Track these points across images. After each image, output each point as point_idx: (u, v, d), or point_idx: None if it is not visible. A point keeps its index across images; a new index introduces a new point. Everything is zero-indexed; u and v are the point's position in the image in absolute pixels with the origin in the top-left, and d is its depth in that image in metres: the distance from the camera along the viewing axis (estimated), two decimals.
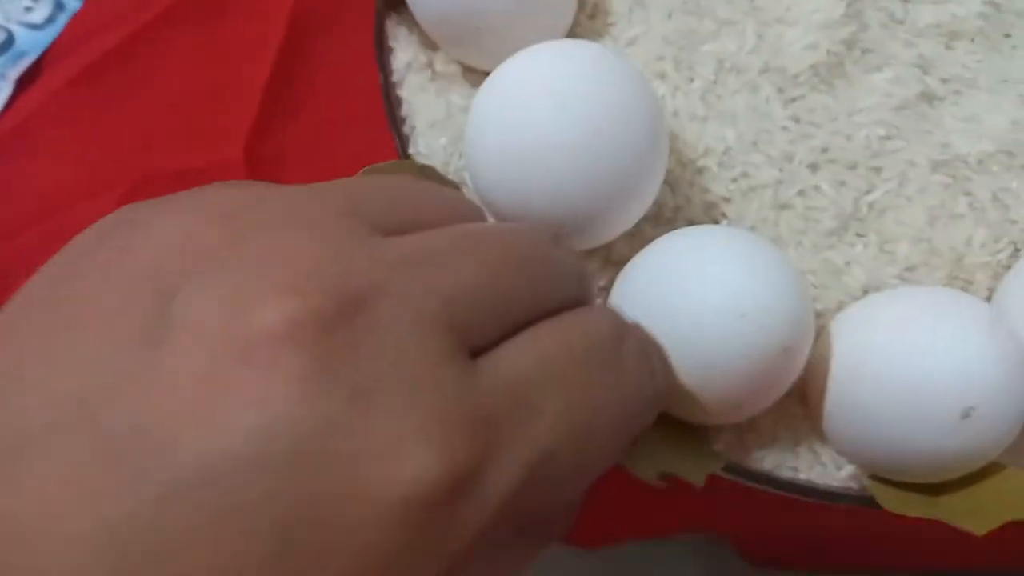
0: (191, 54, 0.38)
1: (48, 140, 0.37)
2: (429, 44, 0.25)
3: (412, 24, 0.24)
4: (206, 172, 0.36)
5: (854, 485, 0.22)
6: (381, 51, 0.24)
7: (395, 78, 0.24)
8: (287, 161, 0.36)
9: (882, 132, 0.24)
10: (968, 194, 0.24)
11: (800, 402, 0.22)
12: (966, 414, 0.18)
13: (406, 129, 0.24)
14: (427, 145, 0.24)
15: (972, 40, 0.26)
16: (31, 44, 0.38)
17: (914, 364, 0.18)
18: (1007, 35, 0.26)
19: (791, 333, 0.18)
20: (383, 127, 0.27)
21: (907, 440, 0.19)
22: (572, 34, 0.24)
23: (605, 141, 0.19)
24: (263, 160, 0.36)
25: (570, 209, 0.20)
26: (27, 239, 0.34)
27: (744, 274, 0.18)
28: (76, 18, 0.39)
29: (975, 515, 0.19)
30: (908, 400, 0.18)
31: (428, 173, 0.22)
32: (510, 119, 0.19)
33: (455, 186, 0.23)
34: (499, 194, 0.20)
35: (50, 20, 0.38)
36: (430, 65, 0.25)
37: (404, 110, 0.24)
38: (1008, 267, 0.23)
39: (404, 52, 0.24)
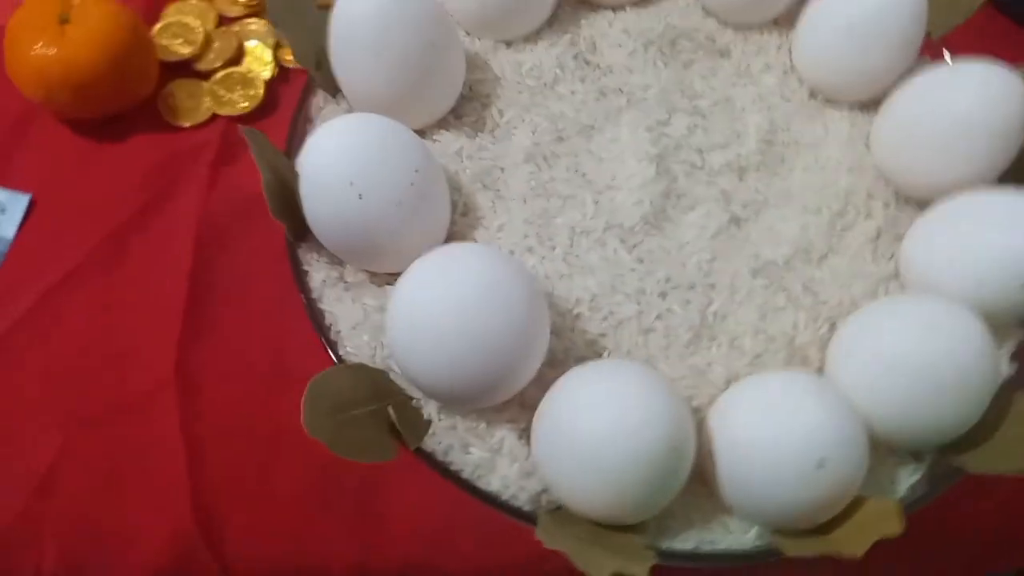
0: (100, 301, 0.41)
1: None
2: (337, 261, 0.30)
3: (320, 248, 0.29)
4: (139, 402, 0.39)
5: (761, 542, 0.26)
6: (298, 275, 0.29)
7: (315, 295, 0.29)
8: (212, 374, 0.40)
9: (708, 256, 0.31)
10: (784, 289, 0.30)
11: (703, 484, 0.27)
12: (820, 465, 0.23)
13: (332, 335, 0.28)
14: (353, 344, 0.28)
15: (757, 170, 0.33)
16: None
17: (773, 433, 0.24)
18: (782, 161, 0.34)
19: (676, 434, 0.24)
20: (298, 328, 0.30)
21: (780, 493, 0.24)
22: (450, 232, 0.30)
23: (496, 321, 0.24)
24: (193, 373, 0.40)
25: (477, 379, 0.25)
26: None
27: (629, 397, 0.23)
28: None
29: (853, 541, 0.24)
30: (774, 461, 0.24)
31: None
32: (419, 318, 0.24)
33: (382, 374, 0.27)
34: (420, 375, 0.25)
35: None
36: (341, 279, 0.29)
37: (328, 319, 0.29)
38: (829, 339, 0.30)
39: (318, 272, 0.29)
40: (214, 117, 0.46)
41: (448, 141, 0.32)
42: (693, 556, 0.26)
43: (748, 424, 0.24)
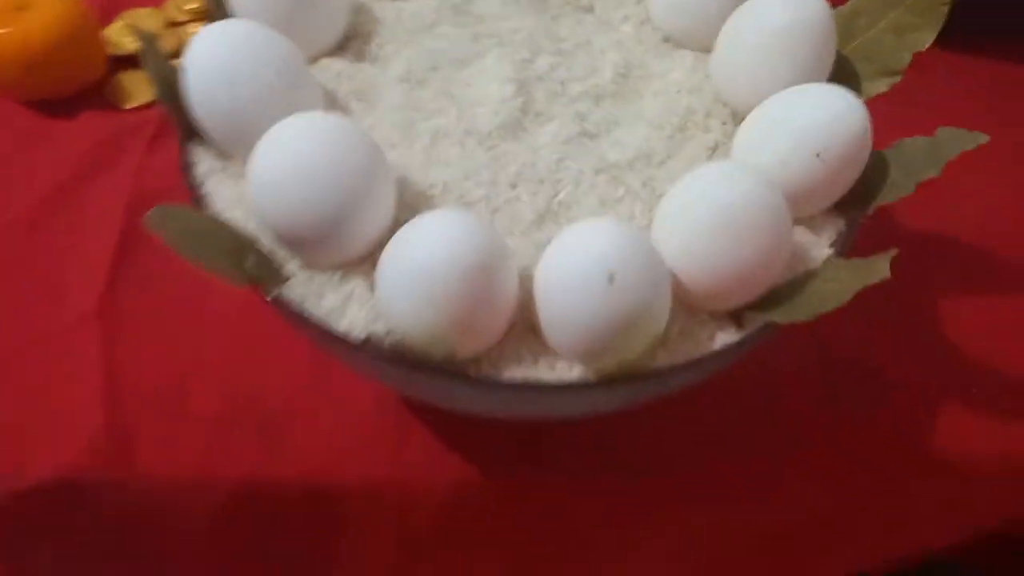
0: (37, 251, 0.45)
1: None
2: (222, 156, 0.33)
3: (208, 146, 0.33)
4: (61, 334, 0.42)
5: (585, 380, 0.29)
6: (185, 166, 0.33)
7: (199, 181, 0.32)
8: (135, 310, 0.43)
9: (557, 157, 0.34)
10: (624, 184, 0.34)
11: (535, 333, 0.30)
12: (610, 279, 0.26)
13: (209, 209, 0.32)
14: (228, 217, 0.31)
15: (612, 97, 0.37)
16: None
17: (568, 259, 0.27)
18: (636, 91, 0.38)
19: (487, 256, 0.26)
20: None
21: (581, 315, 0.26)
22: None
23: (340, 174, 0.28)
24: (114, 314, 0.43)
25: (323, 226, 0.28)
26: None
27: (444, 225, 0.27)
28: None
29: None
30: (571, 284, 0.26)
31: None
32: (275, 172, 0.28)
33: (252, 239, 0.31)
34: (275, 222, 0.28)
35: None
36: (224, 169, 0.33)
37: (208, 200, 0.32)
38: None
39: (203, 163, 0.33)
40: (154, 102, 0.51)
41: (328, 64, 0.36)
42: (513, 386, 0.28)
43: (550, 259, 0.27)
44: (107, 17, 0.55)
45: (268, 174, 0.28)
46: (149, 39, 0.32)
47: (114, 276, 0.44)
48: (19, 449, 0.39)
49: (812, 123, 0.30)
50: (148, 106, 0.51)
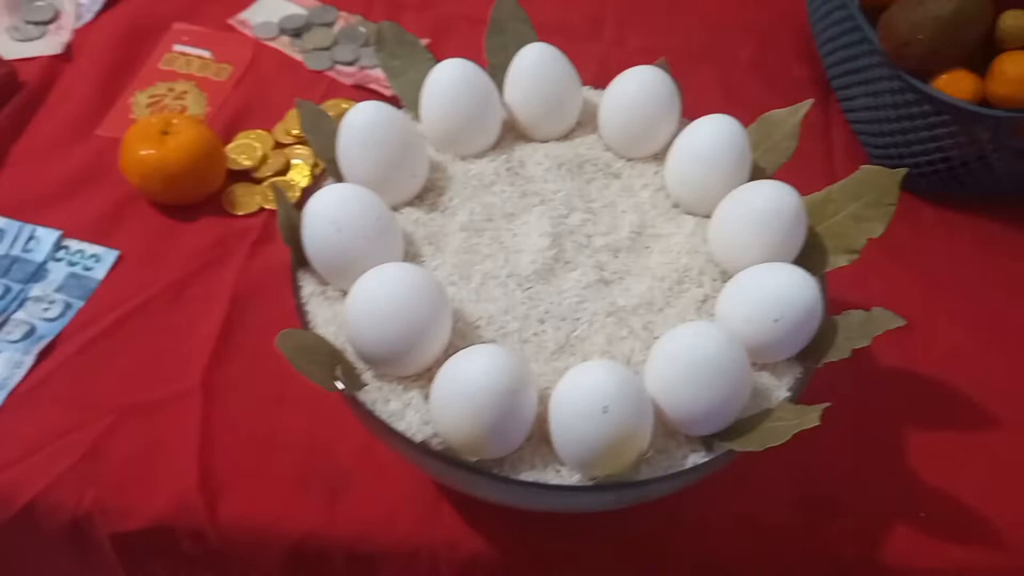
0: (157, 329, 0.56)
1: (53, 392, 0.52)
2: (323, 281, 0.43)
3: (314, 274, 0.43)
4: (170, 400, 0.52)
5: (581, 484, 0.38)
6: (295, 287, 0.43)
7: (303, 300, 0.43)
8: (231, 386, 0.53)
9: (578, 300, 0.44)
10: (628, 326, 0.43)
11: (548, 444, 0.39)
12: (605, 410, 0.35)
13: (310, 327, 0.42)
14: (323, 332, 0.42)
15: (627, 251, 0.47)
16: (48, 330, 0.55)
17: (573, 389, 0.36)
18: (646, 247, 0.47)
19: (513, 383, 0.36)
20: None
21: (580, 435, 0.35)
22: None
23: (409, 314, 0.38)
24: (214, 388, 0.53)
25: (394, 351, 0.38)
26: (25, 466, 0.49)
27: (480, 357, 0.36)
28: (77, 315, 0.56)
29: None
30: (574, 410, 0.36)
31: None
32: (362, 308, 0.38)
33: (341, 352, 0.41)
34: (359, 345, 0.38)
35: (61, 315, 0.56)
36: (324, 293, 0.43)
37: (309, 317, 0.42)
38: None
39: (307, 286, 0.43)
40: (261, 210, 0.63)
41: (409, 213, 0.47)
42: (525, 484, 0.37)
43: (561, 389, 0.37)
44: (228, 136, 0.67)
45: (360, 310, 0.38)
46: (279, 192, 0.43)
47: (216, 355, 0.55)
48: (125, 496, 0.48)
49: (773, 295, 0.40)
50: (255, 214, 0.62)
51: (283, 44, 0.75)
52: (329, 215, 0.41)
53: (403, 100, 0.52)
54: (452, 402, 0.36)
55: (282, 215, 0.42)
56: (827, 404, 0.37)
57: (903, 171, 0.43)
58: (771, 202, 0.43)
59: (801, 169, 0.62)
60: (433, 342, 0.39)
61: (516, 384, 0.36)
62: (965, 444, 0.54)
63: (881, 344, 0.58)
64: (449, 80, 0.48)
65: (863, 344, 0.40)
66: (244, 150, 0.65)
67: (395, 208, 0.47)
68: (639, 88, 0.49)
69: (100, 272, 0.58)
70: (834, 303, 0.59)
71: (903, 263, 0.64)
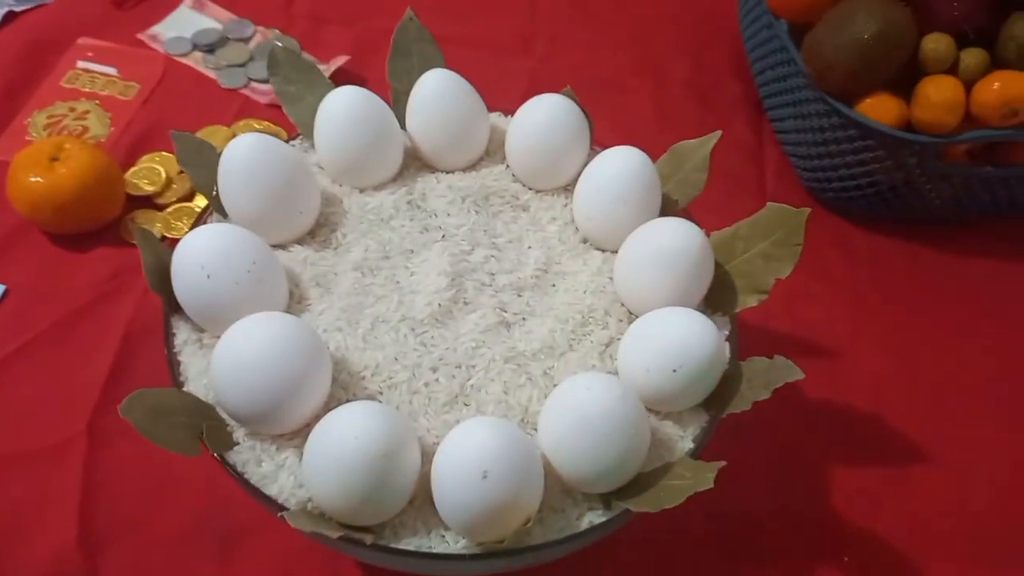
0: (42, 370, 0.52)
1: None
2: (200, 328, 0.40)
3: (187, 319, 0.40)
4: (53, 448, 0.49)
5: (467, 552, 0.35)
6: (167, 335, 0.40)
7: (176, 349, 0.40)
8: (119, 432, 0.50)
9: (474, 344, 0.41)
10: (527, 373, 0.41)
11: (433, 504, 0.36)
12: (484, 475, 0.32)
13: (181, 378, 0.39)
14: (194, 386, 0.39)
15: (532, 290, 0.44)
16: None
17: (454, 452, 0.33)
18: (552, 285, 0.45)
19: (390, 444, 0.33)
20: None
21: (461, 500, 0.33)
22: (286, 312, 0.41)
23: (280, 367, 0.35)
24: (102, 432, 0.50)
25: (264, 408, 0.35)
26: None
27: (356, 417, 0.33)
28: None
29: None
30: (455, 475, 0.33)
31: None
32: (228, 362, 0.35)
33: (212, 408, 0.38)
34: (226, 401, 0.35)
35: None
36: (200, 340, 0.40)
37: (182, 368, 0.39)
38: None
39: (182, 334, 0.40)
40: (163, 238, 0.59)
41: (298, 251, 0.44)
42: (405, 553, 0.34)
43: (442, 450, 0.34)
44: (132, 158, 0.63)
45: (224, 366, 0.35)
46: (145, 234, 0.39)
47: (106, 397, 0.51)
48: None
49: (673, 344, 0.37)
50: None
51: (195, 60, 0.71)
52: (198, 260, 0.38)
53: (300, 128, 0.49)
54: (323, 467, 0.33)
55: (148, 259, 0.39)
56: (722, 463, 0.35)
57: (806, 211, 0.41)
58: (676, 240, 0.41)
59: (733, 190, 0.60)
60: (308, 398, 0.36)
61: (392, 446, 0.33)
62: (891, 479, 0.53)
63: (807, 372, 0.57)
64: (344, 108, 0.45)
65: (763, 396, 0.38)
66: (146, 174, 0.62)
67: (283, 246, 0.44)
68: (546, 117, 0.47)
69: None
70: (759, 331, 0.58)
71: (832, 287, 0.62)
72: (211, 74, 0.70)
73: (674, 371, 0.37)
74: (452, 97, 0.47)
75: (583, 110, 0.48)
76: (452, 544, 0.35)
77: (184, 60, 0.71)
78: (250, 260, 0.39)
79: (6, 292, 0.56)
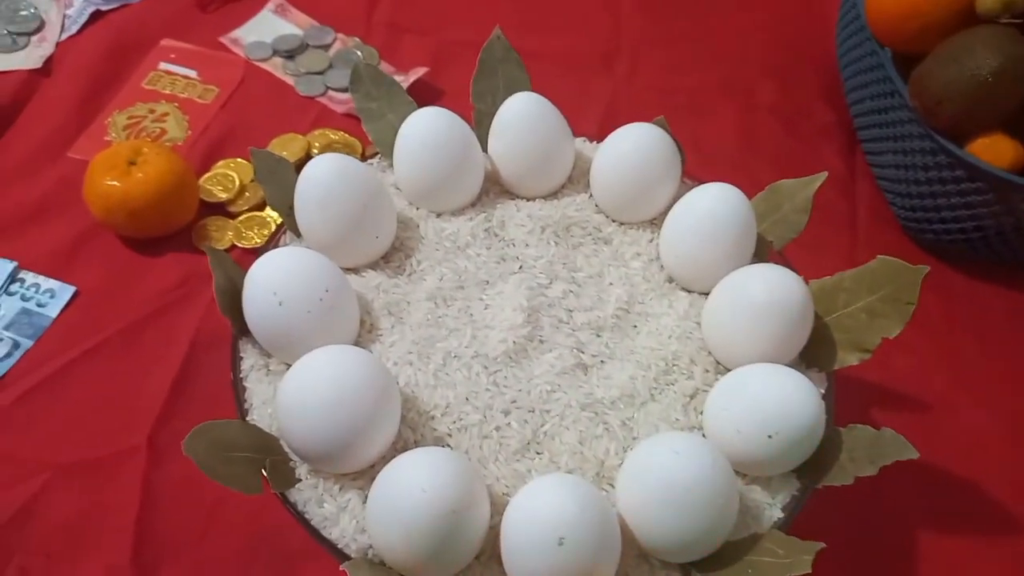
0: (107, 376, 0.52)
1: None
2: (267, 353, 0.39)
3: (255, 341, 0.39)
4: (113, 458, 0.48)
5: None
6: (234, 359, 0.39)
7: (243, 375, 0.38)
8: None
9: (549, 388, 0.39)
10: (605, 422, 0.38)
11: (499, 562, 0.34)
12: (560, 542, 0.30)
13: (246, 406, 0.37)
14: (259, 415, 0.37)
15: (611, 330, 0.42)
16: None
17: (527, 515, 0.31)
18: (633, 326, 0.42)
19: (459, 499, 0.31)
20: None
21: (533, 567, 0.31)
22: (355, 342, 0.39)
23: (349, 406, 0.33)
24: (162, 445, 0.49)
25: (330, 447, 0.33)
26: None
27: (423, 466, 0.31)
28: (24, 357, 0.53)
29: None
30: (527, 539, 0.31)
31: None
32: (294, 397, 0.33)
33: (275, 440, 0.36)
34: (291, 438, 0.34)
35: (7, 356, 0.52)
36: (267, 367, 0.39)
37: (247, 394, 0.38)
38: None
39: (249, 359, 0.39)
40: (233, 247, 0.59)
41: (371, 277, 0.42)
42: None
43: (512, 511, 0.32)
44: (207, 163, 0.63)
45: (290, 401, 0.33)
46: (217, 255, 0.38)
47: (170, 407, 0.51)
48: (51, 568, 0.44)
49: (769, 408, 0.34)
50: (227, 251, 0.58)
51: (275, 66, 0.71)
52: (271, 286, 0.36)
53: (378, 146, 0.47)
54: (387, 517, 0.31)
55: (220, 280, 0.38)
56: (820, 545, 0.32)
57: (924, 269, 0.37)
58: (774, 293, 0.38)
59: (821, 225, 0.56)
60: (375, 438, 0.34)
61: (462, 502, 0.31)
62: (986, 548, 0.49)
63: (897, 425, 0.53)
64: (426, 130, 0.44)
65: (869, 473, 0.34)
66: (220, 181, 0.61)
67: (355, 270, 0.42)
68: (635, 148, 0.44)
69: (54, 310, 0.55)
70: (848, 381, 0.54)
71: (929, 336, 0.58)
72: (289, 80, 0.70)
73: (769, 437, 0.34)
74: (537, 121, 0.45)
75: (675, 141, 0.45)
76: None
77: (263, 65, 0.71)
78: (323, 288, 0.37)
79: (76, 294, 0.55)
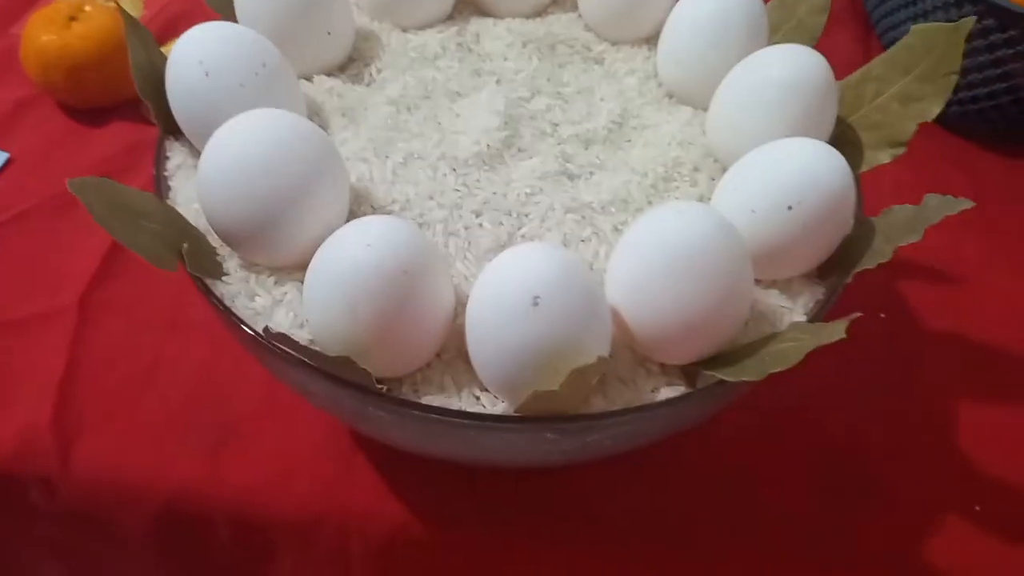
0: (39, 240, 0.46)
1: None
2: (196, 153, 0.33)
3: (185, 141, 0.33)
4: (38, 319, 0.42)
5: (505, 414, 0.27)
6: (159, 157, 0.33)
7: (168, 174, 0.33)
8: (111, 311, 0.43)
9: (528, 191, 0.33)
10: (593, 225, 0.32)
11: (467, 362, 0.28)
12: (535, 302, 0.24)
13: (170, 200, 0.32)
14: (184, 212, 0.31)
15: (602, 143, 0.36)
16: None
17: (495, 280, 0.25)
18: (628, 140, 0.37)
19: (408, 256, 0.25)
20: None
21: (503, 337, 0.25)
22: None
23: (282, 174, 0.27)
24: (94, 307, 0.43)
25: (259, 224, 0.27)
26: None
27: (371, 227, 0.26)
28: None
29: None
30: (495, 307, 0.25)
31: None
32: (217, 167, 0.28)
33: (201, 234, 0.30)
34: (211, 213, 0.28)
35: None
36: (195, 166, 0.33)
37: (171, 193, 0.32)
38: None
39: (176, 158, 0.33)
40: None
41: (322, 81, 0.36)
42: (422, 409, 0.26)
43: (480, 280, 0.26)
44: (162, 40, 0.57)
45: (212, 167, 0.28)
46: (134, 23, 0.33)
47: (104, 271, 0.45)
48: None
49: (788, 174, 0.29)
50: None
51: None
52: (196, 55, 0.31)
53: None
54: (326, 287, 0.26)
55: (137, 57, 0.32)
56: (857, 314, 0.26)
57: (970, 21, 0.32)
58: (793, 70, 0.32)
59: None
60: (315, 217, 0.28)
61: (415, 263, 0.25)
62: None
63: (929, 302, 0.47)
64: None
65: (912, 240, 0.28)
66: None
67: (305, 77, 0.37)
68: None
69: None
70: None
71: (959, 215, 0.52)
72: None
73: (790, 208, 0.28)
74: None
75: None
76: (488, 407, 0.27)
77: None
78: (259, 62, 0.31)
79: (9, 160, 0.50)
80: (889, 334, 0.45)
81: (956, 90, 0.54)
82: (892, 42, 0.59)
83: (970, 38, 0.51)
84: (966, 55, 0.52)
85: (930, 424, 0.42)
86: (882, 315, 0.46)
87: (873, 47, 0.63)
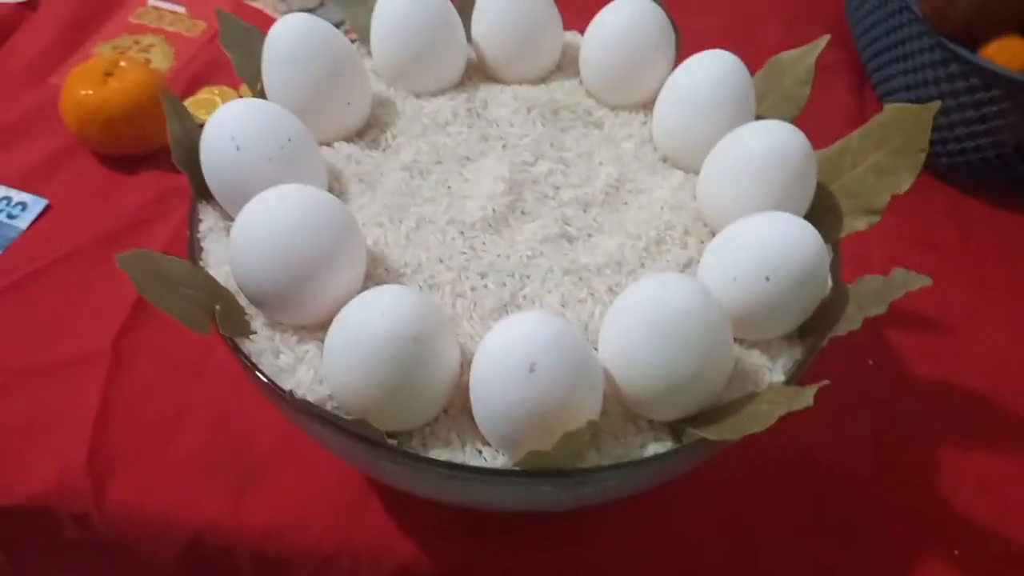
0: (74, 286, 0.49)
1: None
2: (229, 216, 0.36)
3: (216, 205, 0.36)
4: (74, 363, 0.45)
5: (505, 468, 0.29)
6: (192, 219, 0.36)
7: (200, 235, 0.36)
8: (143, 356, 0.46)
9: (530, 253, 0.36)
10: (589, 287, 0.35)
11: (471, 417, 0.30)
12: (532, 368, 0.27)
13: (201, 263, 0.34)
14: (216, 273, 0.34)
15: (600, 206, 0.39)
16: None
17: (494, 346, 0.28)
18: (624, 203, 0.39)
19: (421, 327, 0.28)
20: None
21: (501, 399, 0.27)
22: None
23: (307, 246, 0.30)
24: (127, 353, 0.46)
25: (285, 291, 0.30)
26: None
27: (384, 298, 0.28)
28: None
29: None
30: (494, 371, 0.27)
31: None
32: (249, 237, 0.31)
33: (231, 294, 0.33)
34: (242, 280, 0.31)
35: None
36: (227, 228, 0.36)
37: (204, 254, 0.35)
38: None
39: (208, 220, 0.36)
40: None
41: (342, 148, 0.40)
42: (428, 462, 0.29)
43: (483, 345, 0.28)
44: (190, 91, 0.61)
45: (243, 237, 0.31)
46: (172, 100, 0.36)
47: (135, 317, 0.48)
48: (4, 467, 0.41)
49: (764, 247, 0.31)
50: None
51: (265, 3, 0.69)
52: (228, 131, 0.34)
53: (357, 32, 0.45)
54: (344, 349, 0.28)
55: (175, 131, 0.35)
56: (825, 382, 0.28)
57: (935, 105, 0.34)
58: (773, 145, 0.35)
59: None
60: (335, 282, 0.31)
61: (424, 330, 0.28)
62: (1010, 473, 0.45)
63: (916, 352, 0.49)
64: (402, 3, 0.41)
65: (878, 312, 0.31)
66: (204, 105, 0.59)
67: (327, 143, 0.40)
68: (628, 22, 0.42)
69: (24, 222, 0.52)
70: None
71: (948, 261, 0.55)
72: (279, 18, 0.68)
73: (767, 278, 0.31)
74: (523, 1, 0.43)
75: (670, 17, 0.43)
76: (490, 460, 0.30)
77: (254, 3, 0.69)
78: (285, 137, 0.35)
79: (48, 207, 0.53)
80: (877, 381, 0.48)
81: (946, 143, 0.57)
82: (886, 94, 0.62)
83: (958, 95, 0.55)
84: (955, 111, 0.55)
85: (916, 472, 0.44)
86: (870, 362, 0.49)
87: (868, 98, 0.65)
